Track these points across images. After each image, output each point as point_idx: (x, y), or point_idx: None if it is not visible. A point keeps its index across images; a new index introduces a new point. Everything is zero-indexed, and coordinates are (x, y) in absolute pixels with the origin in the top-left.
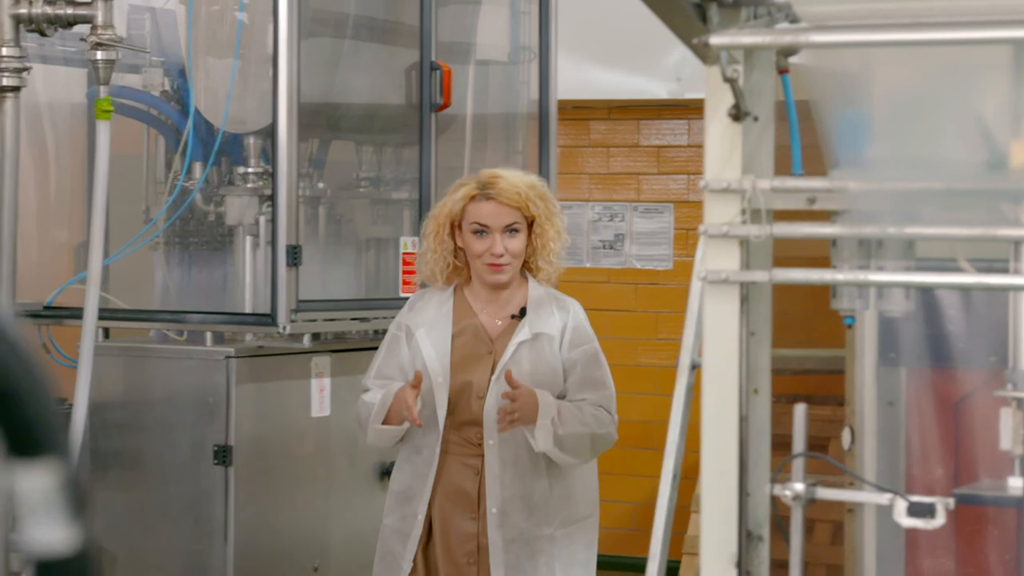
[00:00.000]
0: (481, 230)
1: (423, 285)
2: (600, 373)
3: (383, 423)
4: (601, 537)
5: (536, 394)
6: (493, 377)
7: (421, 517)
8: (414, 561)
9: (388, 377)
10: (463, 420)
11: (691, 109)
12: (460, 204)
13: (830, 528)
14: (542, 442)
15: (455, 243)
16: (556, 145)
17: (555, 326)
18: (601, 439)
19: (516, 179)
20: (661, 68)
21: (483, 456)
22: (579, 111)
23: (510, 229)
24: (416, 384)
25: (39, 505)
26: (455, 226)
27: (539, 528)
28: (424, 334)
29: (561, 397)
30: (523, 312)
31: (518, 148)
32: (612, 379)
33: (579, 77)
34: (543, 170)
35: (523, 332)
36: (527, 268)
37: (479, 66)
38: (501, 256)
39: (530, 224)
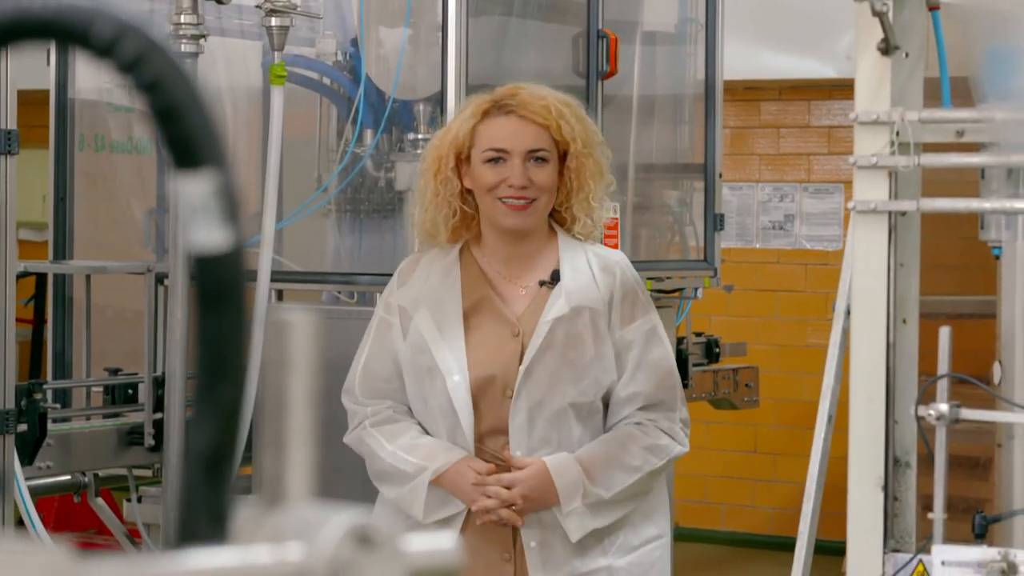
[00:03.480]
0: (496, 157)
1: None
2: (660, 353)
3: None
4: (768, 518)
5: (548, 470)
6: (522, 368)
7: None
8: None
9: (381, 378)
10: (488, 428)
11: None
12: (468, 125)
13: None
14: (575, 531)
15: (461, 182)
16: (722, 119)
17: (599, 295)
18: (664, 468)
19: (544, 91)
20: (832, 50)
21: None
22: (750, 92)
23: (535, 156)
24: (484, 473)
25: (199, 210)
26: (461, 159)
27: (592, 561)
28: (426, 317)
29: (610, 389)
30: (555, 277)
31: (685, 124)
32: (674, 358)
33: (750, 58)
34: (709, 144)
35: (558, 305)
36: (556, 220)
37: (645, 45)
38: (524, 188)
39: (563, 156)
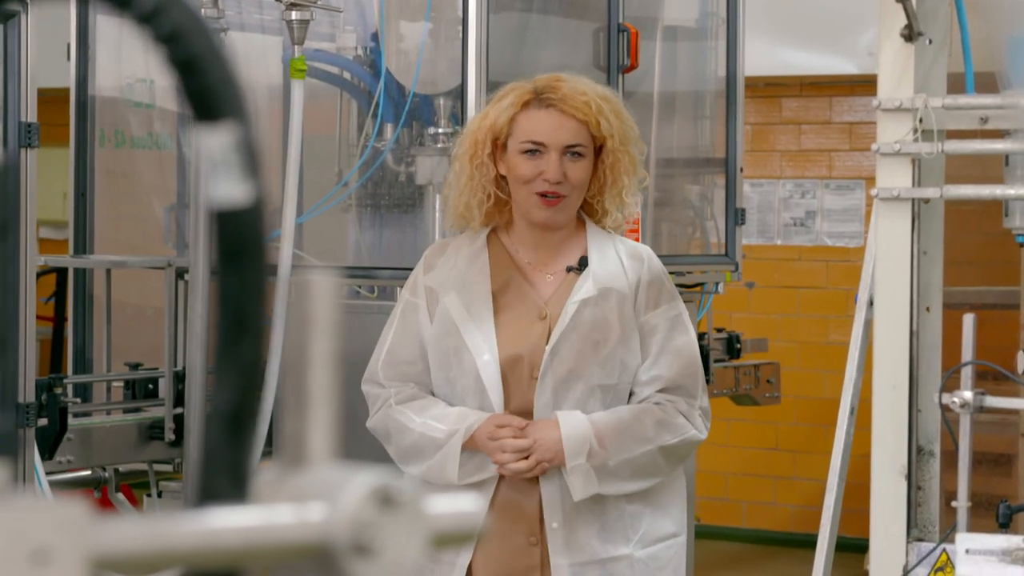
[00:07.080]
0: (534, 149)
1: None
2: (684, 340)
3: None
4: (789, 515)
5: (557, 426)
6: (548, 348)
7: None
8: None
9: (406, 360)
10: (515, 409)
11: None
12: (507, 114)
13: None
14: (579, 489)
15: (497, 168)
16: (743, 114)
17: (626, 280)
18: (677, 449)
19: (585, 85)
20: (854, 46)
21: None
22: (771, 88)
23: (572, 151)
24: (508, 426)
25: (219, 164)
26: (498, 145)
27: (615, 547)
28: (455, 299)
29: (635, 373)
30: (583, 263)
31: (706, 119)
32: (698, 347)
33: (771, 54)
34: (730, 139)
35: (586, 287)
36: (586, 211)
37: (666, 39)
38: (558, 184)
39: (598, 150)
